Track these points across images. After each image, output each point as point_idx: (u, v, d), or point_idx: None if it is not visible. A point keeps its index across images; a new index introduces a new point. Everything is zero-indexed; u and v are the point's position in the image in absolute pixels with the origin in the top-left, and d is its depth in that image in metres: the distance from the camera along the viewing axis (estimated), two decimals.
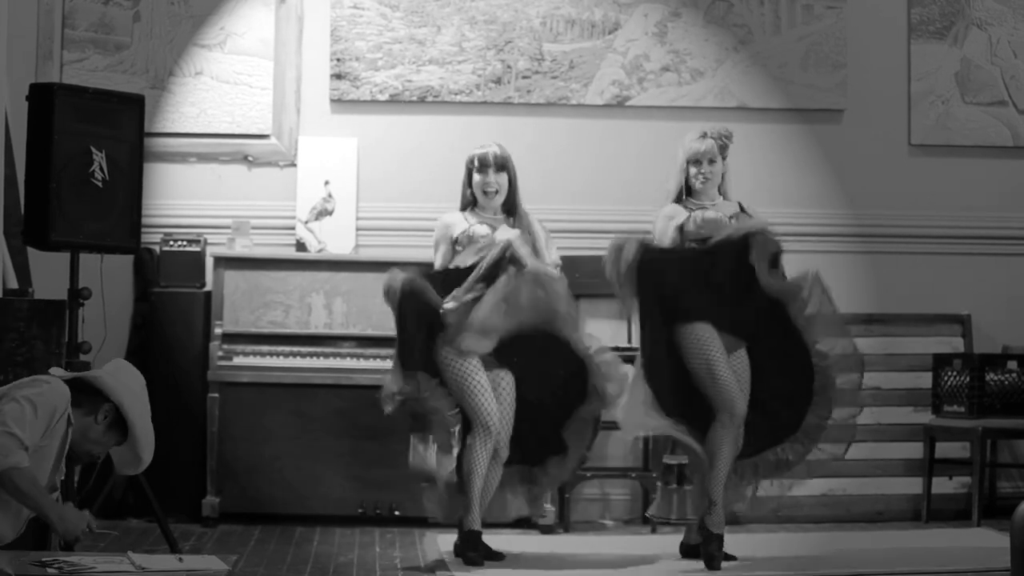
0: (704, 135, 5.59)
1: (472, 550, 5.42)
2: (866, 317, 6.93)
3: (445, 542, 5.70)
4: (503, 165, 5.63)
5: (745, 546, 5.82)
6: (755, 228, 5.50)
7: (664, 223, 5.54)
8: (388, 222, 6.77)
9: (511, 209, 5.68)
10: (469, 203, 5.70)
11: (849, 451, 6.73)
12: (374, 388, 6.26)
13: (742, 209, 5.63)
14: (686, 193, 5.59)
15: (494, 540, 5.61)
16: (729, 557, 5.49)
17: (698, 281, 5.45)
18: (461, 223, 5.64)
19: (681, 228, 5.50)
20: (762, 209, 6.81)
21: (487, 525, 5.61)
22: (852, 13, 7.07)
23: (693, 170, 5.57)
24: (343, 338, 6.42)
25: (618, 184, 6.87)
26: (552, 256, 5.69)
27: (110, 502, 6.02)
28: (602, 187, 6.91)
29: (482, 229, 5.60)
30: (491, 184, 5.61)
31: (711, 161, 5.57)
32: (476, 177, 5.63)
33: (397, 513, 6.25)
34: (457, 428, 5.49)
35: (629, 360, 5.62)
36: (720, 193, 5.65)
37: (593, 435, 5.66)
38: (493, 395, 5.46)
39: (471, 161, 5.65)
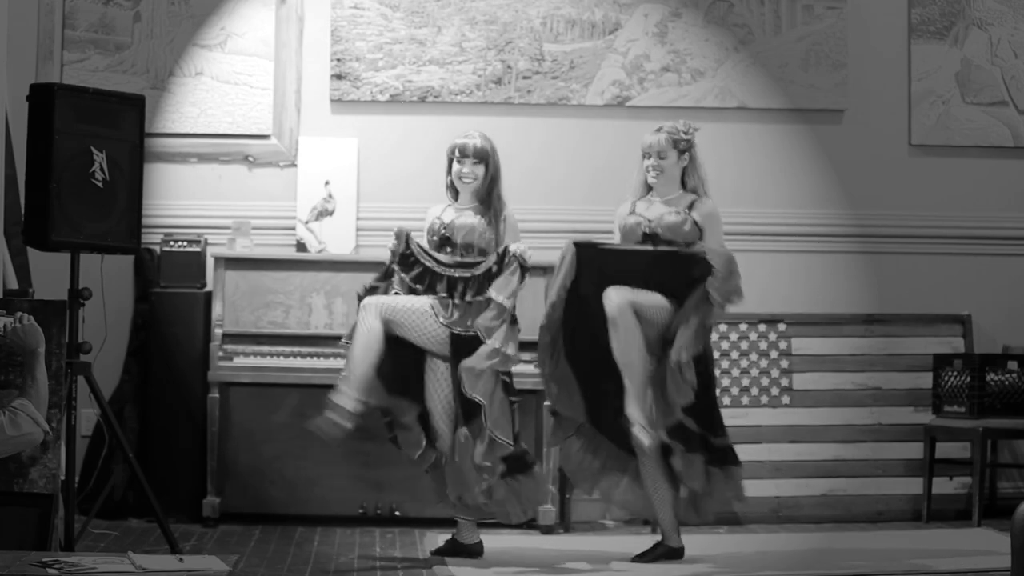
0: (658, 129, 5.66)
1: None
2: (866, 317, 6.94)
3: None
4: (482, 157, 5.69)
5: (745, 546, 5.83)
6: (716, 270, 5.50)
7: (617, 220, 5.73)
8: (388, 222, 6.72)
9: (484, 200, 5.72)
10: (453, 191, 5.80)
11: (850, 451, 6.77)
12: None
13: (690, 207, 5.61)
14: (642, 186, 5.68)
15: (496, 540, 5.62)
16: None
17: (628, 276, 5.51)
18: (432, 217, 5.79)
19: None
20: (763, 209, 6.87)
21: (486, 524, 5.66)
22: (852, 13, 7.07)
23: (645, 163, 5.64)
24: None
25: (619, 184, 6.82)
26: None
27: (110, 502, 6.03)
28: (602, 187, 6.90)
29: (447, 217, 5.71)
30: (467, 175, 5.69)
31: (660, 155, 5.61)
32: (455, 166, 5.73)
33: (397, 513, 6.25)
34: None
35: None
36: (687, 188, 5.66)
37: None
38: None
39: (452, 150, 5.74)
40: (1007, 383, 6.64)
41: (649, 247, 5.57)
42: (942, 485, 6.72)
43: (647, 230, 5.58)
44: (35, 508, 4.32)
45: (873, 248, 7.05)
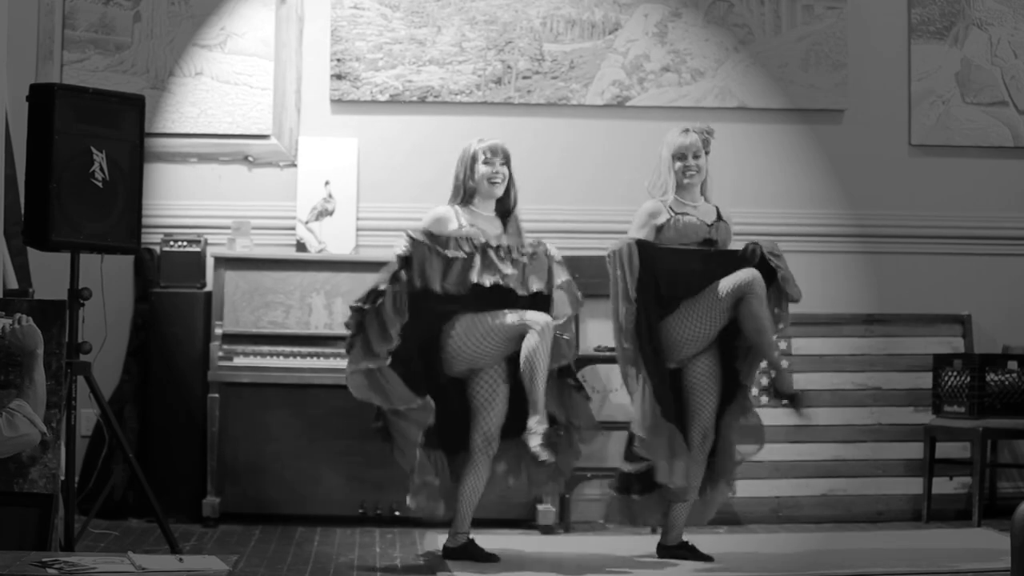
0: (687, 130, 5.60)
1: (471, 558, 5.46)
2: (866, 317, 6.94)
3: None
4: (508, 158, 5.63)
5: (745, 546, 5.83)
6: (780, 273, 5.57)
7: (644, 218, 5.56)
8: (388, 222, 6.76)
9: (507, 210, 5.67)
10: (467, 197, 5.60)
11: (850, 451, 6.78)
12: None
13: (719, 216, 5.62)
14: (674, 190, 5.58)
15: (495, 540, 5.61)
16: (706, 557, 5.47)
17: (687, 272, 5.47)
18: (453, 221, 5.55)
19: (660, 229, 5.52)
20: (763, 209, 6.86)
21: (485, 524, 5.64)
22: (852, 13, 7.07)
23: (679, 164, 5.57)
24: (343, 339, 6.39)
25: (618, 184, 6.87)
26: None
27: (110, 502, 6.03)
28: (603, 187, 6.91)
29: (472, 233, 5.55)
30: (498, 175, 5.58)
31: (696, 155, 5.58)
32: (483, 168, 5.57)
33: (397, 513, 6.24)
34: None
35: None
36: (702, 193, 5.65)
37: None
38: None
39: (481, 151, 5.58)
40: (1007, 383, 6.64)
41: (706, 248, 5.54)
42: (942, 485, 6.72)
43: (709, 235, 5.54)
44: (35, 508, 4.32)
45: (873, 248, 7.05)
